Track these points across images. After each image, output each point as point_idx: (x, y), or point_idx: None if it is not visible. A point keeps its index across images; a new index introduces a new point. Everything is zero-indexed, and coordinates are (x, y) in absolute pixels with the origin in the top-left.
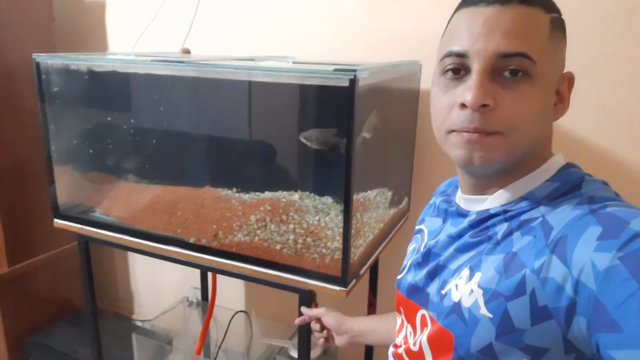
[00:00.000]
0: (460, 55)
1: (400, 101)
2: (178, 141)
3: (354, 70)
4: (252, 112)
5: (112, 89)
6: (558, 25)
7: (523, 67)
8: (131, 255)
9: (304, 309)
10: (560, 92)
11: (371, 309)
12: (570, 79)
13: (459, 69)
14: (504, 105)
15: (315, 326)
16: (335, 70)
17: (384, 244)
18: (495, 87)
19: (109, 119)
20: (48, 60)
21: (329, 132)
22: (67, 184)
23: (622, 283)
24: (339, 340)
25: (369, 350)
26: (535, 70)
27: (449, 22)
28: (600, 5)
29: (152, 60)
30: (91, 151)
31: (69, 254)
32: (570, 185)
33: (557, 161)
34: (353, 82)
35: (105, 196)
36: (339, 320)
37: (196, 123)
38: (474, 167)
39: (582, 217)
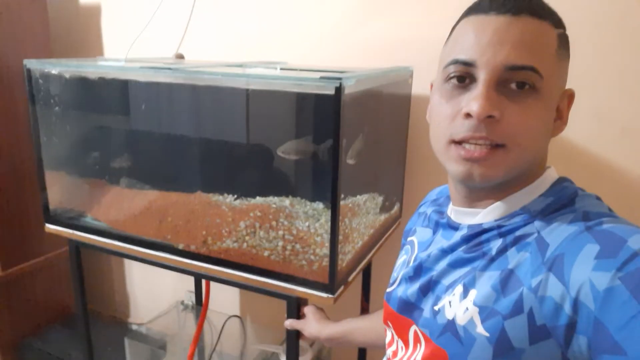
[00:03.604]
0: (467, 64)
1: (391, 107)
2: (170, 147)
3: (340, 78)
4: (244, 119)
5: (103, 96)
6: (564, 41)
7: (530, 80)
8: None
9: (287, 323)
10: (560, 109)
11: (364, 314)
12: (570, 96)
13: (464, 77)
14: (509, 117)
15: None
16: (322, 78)
17: (374, 250)
18: (501, 98)
19: (100, 125)
20: (38, 66)
21: (306, 140)
22: (59, 189)
23: (623, 304)
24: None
25: (362, 351)
26: (542, 85)
27: (454, 28)
28: (589, 13)
29: (140, 67)
30: (83, 157)
31: (65, 257)
32: (564, 200)
33: (550, 175)
34: (339, 90)
35: (97, 201)
36: (317, 330)
37: (187, 130)
38: (473, 183)
39: (579, 235)
